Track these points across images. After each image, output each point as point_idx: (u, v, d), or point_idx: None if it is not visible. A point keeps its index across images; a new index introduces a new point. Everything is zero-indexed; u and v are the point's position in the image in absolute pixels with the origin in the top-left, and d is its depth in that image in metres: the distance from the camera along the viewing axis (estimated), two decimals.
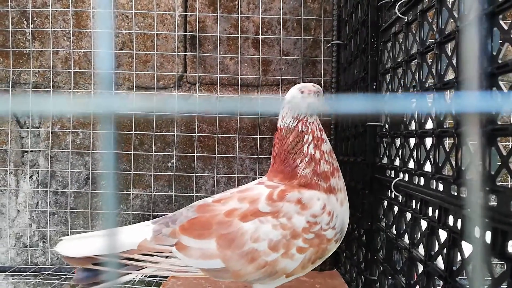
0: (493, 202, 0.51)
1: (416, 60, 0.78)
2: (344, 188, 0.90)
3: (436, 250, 0.68)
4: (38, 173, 1.57)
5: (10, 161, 1.56)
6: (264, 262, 0.81)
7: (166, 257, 0.84)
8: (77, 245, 0.85)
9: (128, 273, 0.84)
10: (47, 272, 1.51)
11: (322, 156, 0.87)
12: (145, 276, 0.86)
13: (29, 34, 1.55)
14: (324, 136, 0.90)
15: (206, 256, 0.82)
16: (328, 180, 0.86)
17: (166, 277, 1.29)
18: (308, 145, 0.87)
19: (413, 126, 0.81)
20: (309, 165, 0.86)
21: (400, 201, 0.83)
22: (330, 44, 1.50)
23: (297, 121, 0.89)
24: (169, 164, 1.56)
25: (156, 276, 1.49)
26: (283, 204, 0.83)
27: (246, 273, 0.82)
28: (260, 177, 1.53)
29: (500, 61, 0.51)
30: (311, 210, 0.83)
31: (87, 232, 1.54)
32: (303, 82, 1.55)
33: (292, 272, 0.83)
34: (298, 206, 0.83)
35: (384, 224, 0.95)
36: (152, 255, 0.83)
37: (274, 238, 0.81)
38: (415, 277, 0.76)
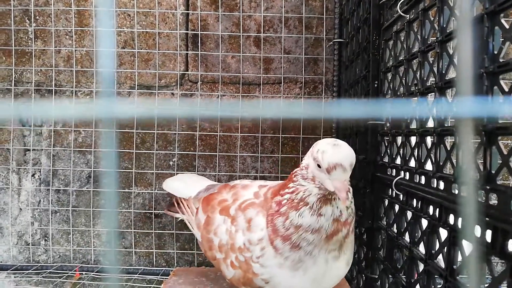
0: (493, 201, 0.51)
1: (417, 59, 0.78)
2: (300, 265, 0.74)
3: (436, 249, 0.68)
4: (40, 171, 1.58)
5: (12, 160, 1.57)
6: (214, 256, 0.89)
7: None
8: (169, 183, 1.20)
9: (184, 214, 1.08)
10: (49, 270, 1.51)
11: (284, 217, 0.74)
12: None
13: (31, 33, 1.56)
14: (304, 210, 0.72)
15: (198, 227, 0.96)
16: (276, 236, 0.75)
17: (168, 275, 1.29)
18: (285, 195, 0.75)
19: (414, 124, 0.81)
20: (277, 205, 0.76)
21: (401, 199, 0.83)
22: (331, 42, 1.49)
23: (296, 170, 0.76)
24: (171, 163, 1.56)
25: (158, 274, 1.50)
26: (241, 215, 0.82)
27: (208, 256, 0.94)
28: (263, 176, 1.54)
29: (501, 60, 0.51)
30: (250, 235, 0.78)
31: (89, 230, 1.54)
32: (304, 80, 1.55)
33: (231, 280, 0.86)
34: (246, 225, 0.80)
35: (385, 223, 0.95)
36: (189, 208, 1.05)
37: (222, 240, 0.86)
38: (416, 276, 0.76)
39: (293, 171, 0.77)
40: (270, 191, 0.83)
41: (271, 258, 0.75)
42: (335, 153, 0.67)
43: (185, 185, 1.14)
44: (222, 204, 0.90)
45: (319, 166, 0.68)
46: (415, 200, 0.77)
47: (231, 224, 0.84)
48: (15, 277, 1.56)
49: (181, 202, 1.08)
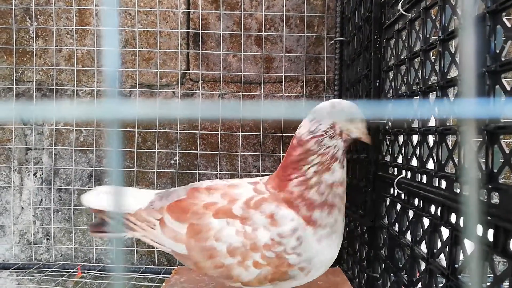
0: (495, 200, 0.51)
1: (419, 57, 0.78)
2: (334, 227, 0.81)
3: (438, 248, 0.68)
4: (42, 170, 1.58)
5: (14, 159, 1.57)
6: (220, 263, 0.80)
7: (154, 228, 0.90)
8: (94, 198, 0.94)
9: (126, 232, 0.91)
10: (51, 269, 1.52)
11: (318, 184, 0.78)
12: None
13: (33, 32, 1.56)
14: (335, 166, 0.79)
15: (176, 239, 0.84)
16: (312, 210, 0.78)
17: (169, 273, 1.29)
18: (310, 167, 0.78)
19: (416, 123, 0.81)
20: (300, 185, 0.79)
21: (403, 198, 0.83)
22: (333, 41, 1.49)
23: (311, 136, 0.78)
24: (172, 162, 1.56)
25: (159, 273, 1.50)
26: (255, 212, 0.80)
27: (205, 267, 0.83)
28: (264, 175, 1.54)
29: (503, 59, 0.51)
30: (279, 229, 0.78)
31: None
32: (306, 79, 1.55)
33: (248, 283, 0.81)
34: (268, 220, 0.79)
35: (386, 222, 0.95)
36: (142, 222, 0.90)
37: (234, 244, 0.79)
38: (417, 275, 0.76)
39: (305, 147, 0.80)
40: (269, 186, 0.84)
41: (310, 237, 0.78)
42: (353, 107, 0.81)
43: (119, 197, 0.94)
44: (214, 207, 0.82)
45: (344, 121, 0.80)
46: (416, 199, 0.77)
47: (241, 224, 0.79)
48: (17, 276, 1.57)
49: (126, 218, 0.89)
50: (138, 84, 1.56)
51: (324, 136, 0.78)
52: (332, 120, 0.78)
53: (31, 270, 1.52)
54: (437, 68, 0.70)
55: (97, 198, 0.93)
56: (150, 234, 0.88)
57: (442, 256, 0.66)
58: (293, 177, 0.80)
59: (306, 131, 0.79)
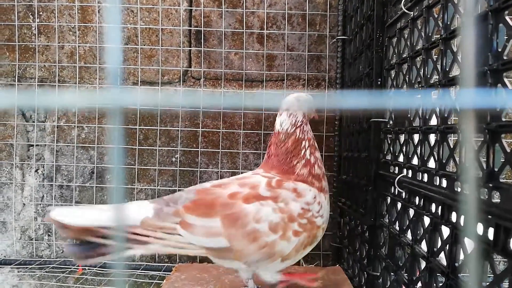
0: (496, 199, 0.51)
1: (421, 56, 0.78)
2: (328, 190, 1.00)
3: (438, 247, 0.68)
4: (43, 167, 1.58)
5: (16, 155, 1.58)
6: (264, 242, 0.86)
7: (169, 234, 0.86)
8: (76, 214, 0.81)
9: (131, 248, 0.83)
10: (52, 265, 1.52)
11: (316, 161, 0.97)
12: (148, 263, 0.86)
13: (35, 29, 1.56)
14: (316, 144, 1.00)
15: (211, 234, 0.85)
16: (320, 181, 0.96)
17: (170, 270, 1.30)
18: (305, 150, 0.97)
19: (417, 122, 0.81)
20: (305, 167, 0.96)
21: (404, 197, 0.84)
22: (335, 40, 1.49)
23: (295, 128, 0.97)
24: (174, 159, 1.56)
25: (160, 270, 1.50)
26: (281, 190, 0.90)
27: (248, 253, 0.86)
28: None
29: (505, 58, 0.51)
30: (305, 199, 0.91)
31: None
32: (307, 77, 1.55)
33: (287, 255, 0.89)
34: (294, 194, 0.91)
35: (387, 220, 0.95)
36: (155, 231, 0.84)
37: (274, 220, 0.87)
38: (418, 273, 0.76)
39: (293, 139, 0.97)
40: (273, 172, 0.96)
41: (324, 200, 0.95)
42: (307, 96, 1.02)
43: (120, 210, 0.76)
44: (240, 195, 0.87)
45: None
46: (417, 198, 0.77)
47: (274, 202, 0.88)
48: (18, 272, 1.57)
49: (132, 232, 0.82)
50: (140, 81, 1.56)
51: (302, 125, 0.98)
52: (302, 111, 0.99)
53: (32, 266, 1.53)
54: (439, 66, 0.70)
55: (79, 213, 0.81)
56: (171, 240, 0.85)
57: (442, 254, 0.66)
58: (295, 162, 0.96)
59: (289, 125, 0.98)
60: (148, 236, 0.83)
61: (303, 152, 0.96)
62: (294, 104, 0.98)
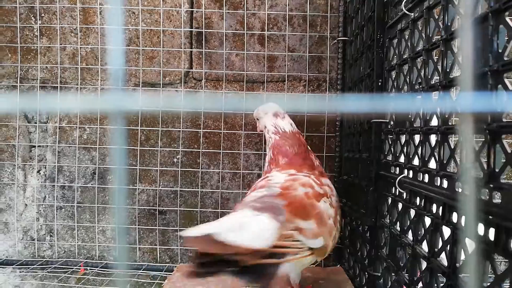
0: (497, 200, 0.51)
1: (422, 57, 0.78)
2: None
3: (439, 247, 0.68)
4: (45, 167, 1.59)
5: (18, 156, 1.58)
6: (334, 236, 0.95)
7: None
8: (234, 235, 0.70)
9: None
10: (54, 266, 1.53)
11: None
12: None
13: (37, 30, 1.57)
14: None
15: (315, 235, 0.86)
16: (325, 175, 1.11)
17: (171, 271, 1.30)
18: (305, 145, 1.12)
19: (418, 123, 0.81)
20: (317, 160, 1.11)
21: (405, 198, 0.84)
22: (336, 41, 1.49)
23: (295, 126, 1.13)
24: (175, 160, 1.57)
25: (161, 270, 1.51)
26: (325, 187, 1.00)
27: (330, 245, 0.93)
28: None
29: (505, 59, 0.51)
30: (334, 191, 1.05)
31: (93, 226, 1.55)
32: (308, 78, 1.55)
33: (330, 241, 0.96)
34: (330, 189, 1.03)
35: (388, 221, 0.95)
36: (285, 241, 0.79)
37: (331, 214, 0.95)
38: (419, 274, 0.76)
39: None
40: (305, 171, 1.04)
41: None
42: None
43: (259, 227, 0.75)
44: (311, 194, 0.92)
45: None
46: (418, 198, 0.77)
47: (328, 198, 0.98)
48: (20, 272, 1.58)
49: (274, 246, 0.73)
50: (142, 83, 1.56)
51: (274, 136, 1.12)
52: (269, 124, 1.14)
53: (34, 266, 1.53)
54: (439, 67, 0.70)
55: (235, 234, 0.68)
56: (296, 247, 0.82)
57: (443, 255, 0.66)
58: (313, 158, 1.12)
59: (293, 125, 1.13)
60: (286, 247, 0.78)
61: (309, 149, 1.11)
62: (273, 110, 1.14)
